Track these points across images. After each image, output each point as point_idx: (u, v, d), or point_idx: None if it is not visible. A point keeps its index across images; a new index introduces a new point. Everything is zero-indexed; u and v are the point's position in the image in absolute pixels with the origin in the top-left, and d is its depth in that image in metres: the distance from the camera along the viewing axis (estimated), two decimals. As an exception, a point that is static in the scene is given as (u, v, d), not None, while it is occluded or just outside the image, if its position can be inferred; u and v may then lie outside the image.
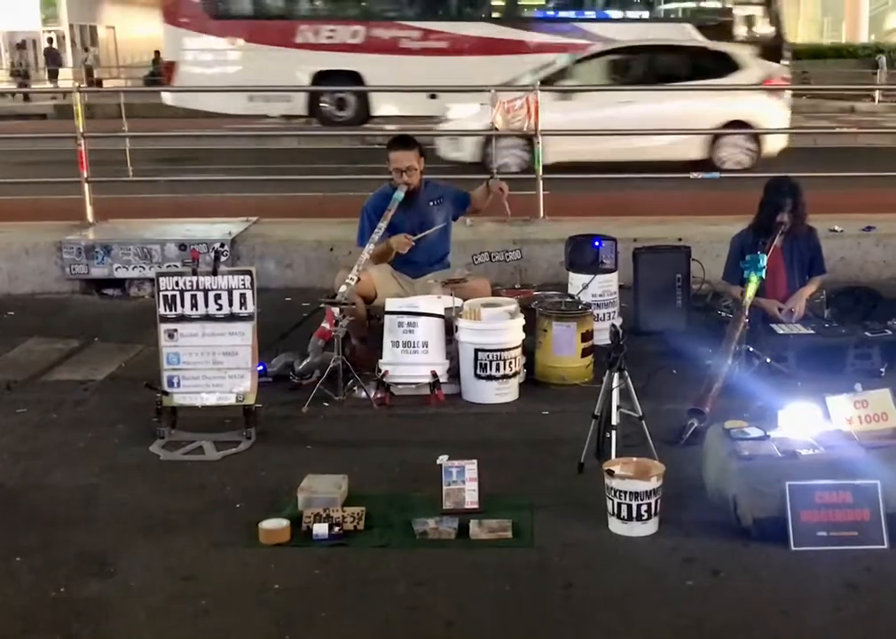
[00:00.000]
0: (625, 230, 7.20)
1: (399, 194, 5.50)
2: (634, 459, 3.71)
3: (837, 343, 5.14)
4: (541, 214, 8.03)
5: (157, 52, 36.40)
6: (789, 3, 42.19)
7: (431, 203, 5.69)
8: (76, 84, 8.55)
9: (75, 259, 7.11)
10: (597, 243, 6.05)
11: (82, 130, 7.77)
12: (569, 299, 5.62)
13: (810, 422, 3.80)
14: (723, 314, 5.90)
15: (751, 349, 5.10)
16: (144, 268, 7.03)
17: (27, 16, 46.28)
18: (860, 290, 6.03)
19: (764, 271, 5.10)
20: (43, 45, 37.87)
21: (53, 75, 33.32)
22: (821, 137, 14.72)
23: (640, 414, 4.05)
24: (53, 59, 33.36)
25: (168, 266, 6.84)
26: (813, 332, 5.23)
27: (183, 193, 9.74)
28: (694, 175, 9.08)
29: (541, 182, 8.06)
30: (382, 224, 5.42)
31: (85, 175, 7.82)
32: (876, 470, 3.44)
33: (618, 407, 3.98)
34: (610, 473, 3.55)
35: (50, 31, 47.13)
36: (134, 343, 5.90)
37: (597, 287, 5.92)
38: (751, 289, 5.09)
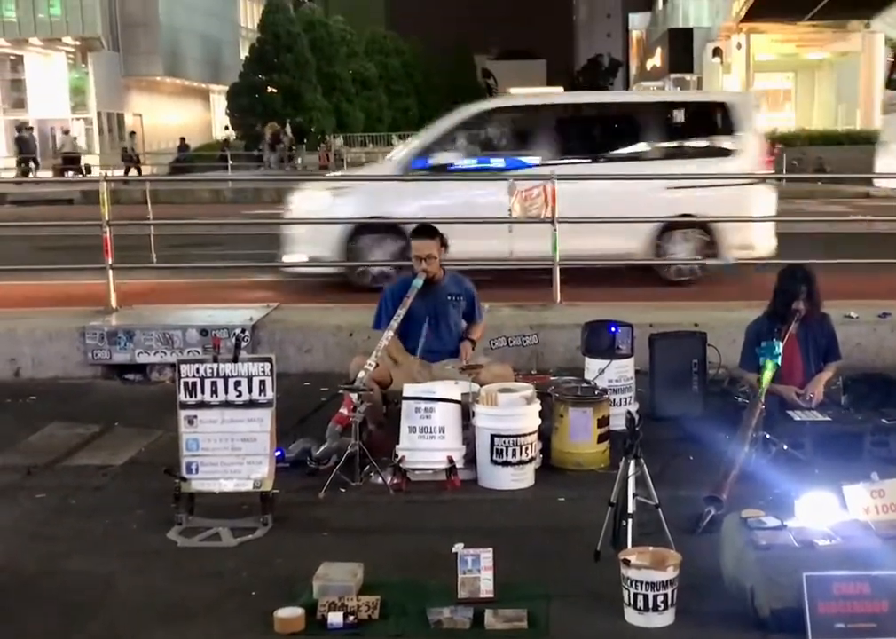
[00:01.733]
0: (641, 315, 7.25)
1: (418, 282, 5.61)
2: (651, 548, 3.70)
3: (854, 431, 5.14)
4: (558, 299, 8.11)
5: (182, 139, 37.33)
6: (804, 92, 43.15)
7: (449, 297, 5.80)
8: (103, 174, 8.72)
9: (98, 344, 7.21)
10: (613, 329, 6.10)
11: (107, 218, 7.96)
12: (585, 384, 5.65)
13: (827, 512, 3.79)
14: (740, 400, 5.91)
15: (768, 436, 5.10)
16: (165, 353, 7.12)
17: (58, 104, 47.70)
18: (876, 377, 6.02)
19: (780, 357, 5.14)
20: (72, 132, 38.66)
21: (21, 164, 32.98)
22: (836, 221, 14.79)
23: (657, 501, 4.05)
24: (24, 148, 33.51)
25: (189, 351, 6.94)
26: (829, 419, 5.23)
27: (205, 278, 9.89)
28: (709, 262, 9.16)
29: (557, 268, 8.16)
30: (402, 311, 5.51)
31: (110, 261, 7.98)
32: (893, 561, 3.42)
33: (634, 495, 3.99)
34: (626, 563, 3.54)
35: (79, 118, 48.46)
36: (154, 427, 5.95)
37: (613, 373, 5.95)
38: (767, 376, 5.11)
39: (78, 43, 47.33)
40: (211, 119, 60.20)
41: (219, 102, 57.90)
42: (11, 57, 48.72)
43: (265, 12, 53.82)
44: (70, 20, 46.34)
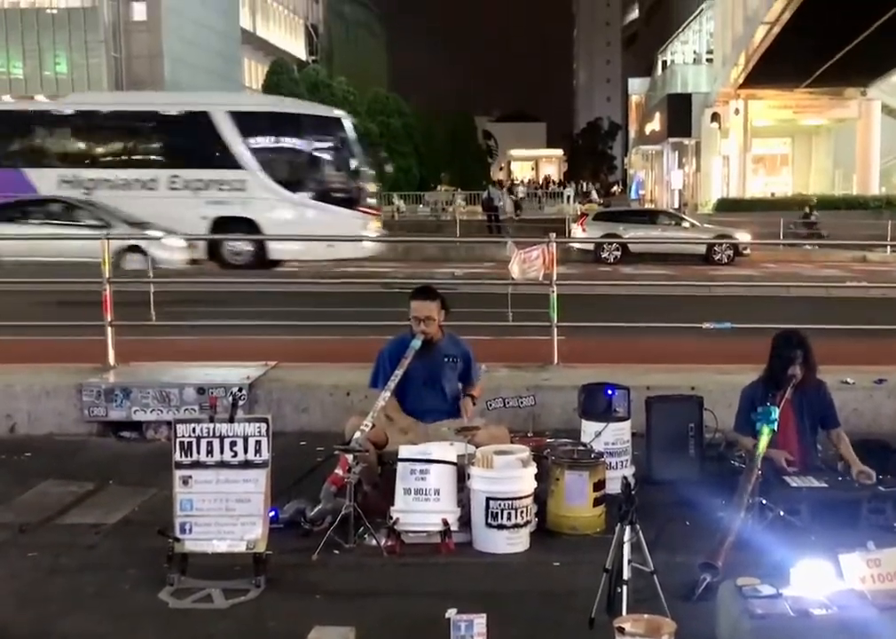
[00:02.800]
0: (638, 378, 7.27)
1: (416, 343, 5.64)
2: (646, 616, 3.66)
3: (851, 498, 5.13)
4: (555, 360, 8.13)
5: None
6: (801, 157, 43.64)
7: (446, 359, 5.81)
8: (106, 232, 8.80)
9: (95, 401, 7.21)
10: (610, 392, 6.11)
11: (108, 276, 8.00)
12: (581, 447, 5.65)
13: (823, 581, 3.77)
14: (736, 464, 5.91)
15: (764, 501, 5.08)
16: (162, 411, 7.11)
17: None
18: (872, 443, 6.03)
19: (776, 423, 5.15)
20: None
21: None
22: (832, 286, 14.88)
23: (652, 568, 4.03)
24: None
25: (185, 409, 6.94)
26: (826, 485, 5.22)
27: (204, 336, 9.91)
28: (706, 325, 9.19)
29: (555, 329, 8.19)
30: (399, 372, 5.53)
31: (109, 319, 8.01)
32: (889, 631, 3.40)
33: (630, 561, 3.97)
34: (621, 631, 3.51)
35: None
36: (148, 486, 5.92)
37: (610, 436, 5.95)
38: (764, 441, 5.12)
39: (84, 100, 47.91)
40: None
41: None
42: (18, 113, 49.38)
43: (269, 73, 54.82)
44: (76, 78, 47.14)
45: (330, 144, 21.30)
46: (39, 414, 7.33)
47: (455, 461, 5.11)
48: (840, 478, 5.38)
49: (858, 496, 5.14)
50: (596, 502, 5.23)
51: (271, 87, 53.00)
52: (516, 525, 4.94)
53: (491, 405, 6.22)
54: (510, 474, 5.02)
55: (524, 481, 5.04)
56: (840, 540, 4.28)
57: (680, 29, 58.80)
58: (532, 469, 5.10)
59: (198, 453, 4.59)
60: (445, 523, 4.94)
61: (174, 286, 12.37)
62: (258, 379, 7.51)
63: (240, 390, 7.06)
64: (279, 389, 7.46)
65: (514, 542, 4.95)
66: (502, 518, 4.92)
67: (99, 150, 21.74)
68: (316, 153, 21.41)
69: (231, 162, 20.53)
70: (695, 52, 53.41)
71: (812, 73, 33.26)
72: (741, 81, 37.28)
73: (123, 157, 21.61)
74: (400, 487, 5.05)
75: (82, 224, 17.38)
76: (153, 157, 21.59)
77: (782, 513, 5.05)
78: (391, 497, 5.07)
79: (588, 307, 10.05)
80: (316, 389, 7.48)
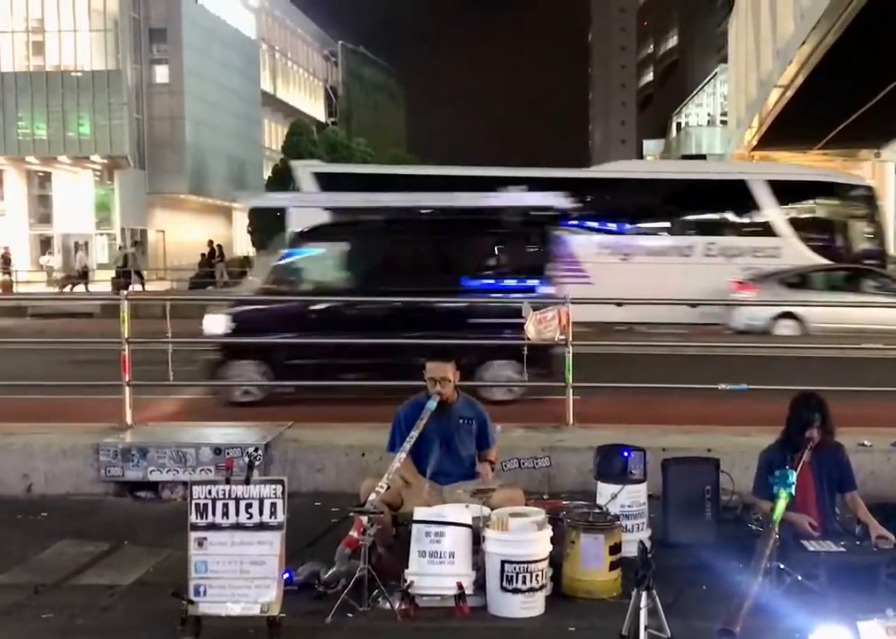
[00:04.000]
0: (654, 439, 7.26)
1: (432, 404, 5.66)
2: (662, 682, 3.63)
3: (869, 562, 5.08)
4: (570, 421, 8.12)
5: (203, 255, 38.04)
6: (815, 215, 43.64)
7: (462, 420, 5.84)
8: (125, 293, 8.89)
9: (111, 461, 7.22)
10: (626, 453, 6.10)
11: (126, 336, 8.07)
12: (597, 510, 5.62)
13: (841, 647, 3.73)
14: (753, 528, 5.87)
15: (782, 566, 5.04)
16: (178, 471, 7.12)
17: (83, 220, 48.86)
18: (890, 507, 5.97)
19: (793, 487, 5.12)
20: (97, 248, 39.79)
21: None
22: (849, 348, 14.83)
23: (669, 634, 4.00)
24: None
25: (202, 470, 6.95)
26: (844, 549, 5.17)
27: (222, 395, 9.97)
28: (721, 386, 9.18)
29: (570, 389, 8.20)
30: (414, 433, 5.55)
31: (127, 378, 8.06)
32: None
33: (646, 627, 3.94)
34: (637, 697, 3.48)
35: (102, 234, 49.55)
36: (164, 546, 5.92)
37: (626, 498, 5.92)
38: (781, 505, 5.08)
39: (105, 161, 48.73)
40: (233, 235, 61.42)
41: (241, 219, 59.19)
42: (40, 173, 50.20)
43: (289, 134, 55.57)
44: (99, 139, 47.86)
45: (862, 211, 21.37)
46: (56, 474, 7.35)
47: (470, 523, 5.09)
48: (858, 542, 5.33)
49: (876, 561, 5.09)
50: (612, 566, 5.19)
51: (290, 148, 53.69)
52: (531, 589, 4.91)
53: (506, 465, 6.21)
54: (525, 537, 5.00)
55: (540, 544, 5.01)
56: (859, 606, 4.24)
57: (694, 92, 59.57)
58: (548, 532, 5.08)
59: (213, 515, 4.60)
60: (460, 586, 4.91)
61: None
62: (274, 439, 7.52)
63: (256, 450, 7.05)
64: (295, 449, 7.47)
65: (529, 606, 4.91)
66: (517, 582, 4.89)
67: (639, 217, 21.73)
68: (848, 220, 21.54)
69: (766, 230, 20.64)
70: (709, 114, 54.03)
71: (825, 135, 33.45)
72: (755, 142, 37.56)
73: (662, 224, 21.81)
74: (415, 550, 5.04)
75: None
76: (690, 224, 21.73)
77: (799, 578, 5.01)
78: (406, 559, 5.05)
79: (604, 365, 10.06)
80: (331, 449, 7.48)
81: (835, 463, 5.66)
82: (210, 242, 37.92)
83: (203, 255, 36.98)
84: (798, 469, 5.30)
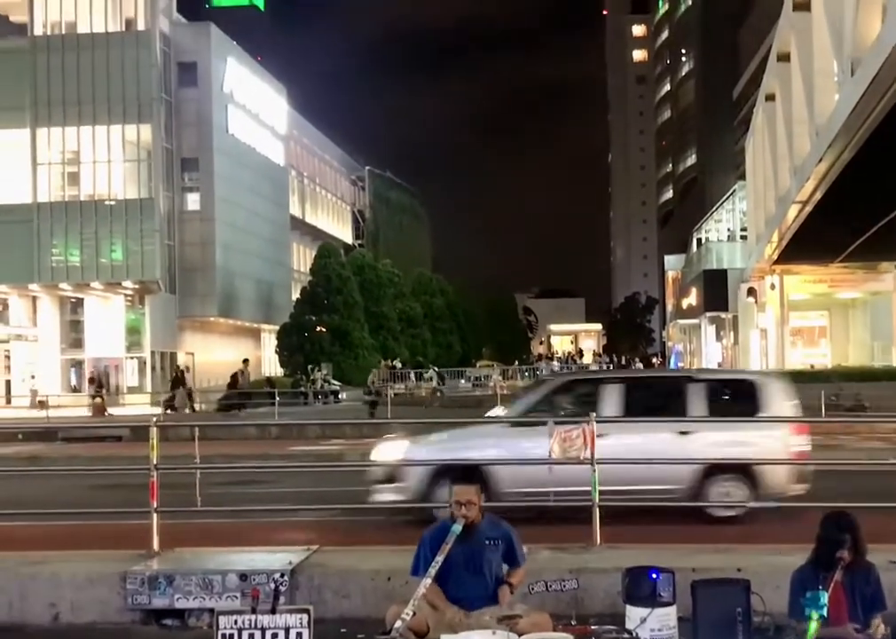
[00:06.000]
0: (683, 559, 7.16)
1: (457, 528, 5.67)
2: None
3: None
4: (597, 541, 8.04)
5: (233, 375, 38.34)
6: (838, 329, 43.81)
7: (488, 541, 5.83)
8: (154, 419, 9.00)
9: (138, 589, 7.17)
10: (654, 575, 6.02)
11: (155, 462, 8.13)
12: (626, 635, 5.55)
13: None
14: (788, 651, 5.74)
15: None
16: (204, 598, 7.06)
17: (113, 344, 49.48)
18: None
19: (825, 608, 5.05)
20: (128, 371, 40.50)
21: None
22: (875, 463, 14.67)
23: None
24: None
25: (228, 597, 6.90)
26: (880, 672, 5.06)
27: (248, 518, 9.96)
28: (753, 504, 9.11)
29: (597, 509, 8.14)
30: (440, 558, 5.54)
31: (155, 505, 8.08)
32: None
33: None
34: None
35: (132, 357, 50.08)
36: (189, 676, 5.86)
37: (655, 622, 5.83)
38: (814, 628, 5.01)
39: (137, 286, 49.55)
40: (261, 356, 61.92)
41: (269, 341, 59.77)
42: (73, 299, 51.09)
43: (318, 257, 56.61)
44: (130, 265, 48.81)
45: None
46: (82, 603, 7.31)
47: (497, 650, 5.04)
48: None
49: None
50: (643, 693, 5.10)
51: (318, 270, 54.64)
52: (561, 718, 4.82)
53: (533, 588, 6.14)
54: (554, 664, 4.93)
55: (568, 670, 4.94)
56: None
57: (714, 209, 60.47)
58: (576, 658, 5.02)
59: (239, 644, 4.59)
60: (488, 715, 4.83)
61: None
62: (300, 564, 7.48)
63: (282, 575, 7.03)
64: (321, 574, 7.42)
65: None
66: (546, 711, 4.80)
67: None
68: None
69: None
70: (728, 230, 54.68)
71: (845, 249, 33.71)
72: (775, 257, 37.87)
73: None
74: (442, 677, 4.98)
75: None
76: None
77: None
78: (432, 688, 4.99)
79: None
80: (357, 574, 7.42)
81: (866, 582, 5.59)
82: (176, 367, 38.28)
83: (233, 375, 37.27)
84: (830, 589, 5.23)
